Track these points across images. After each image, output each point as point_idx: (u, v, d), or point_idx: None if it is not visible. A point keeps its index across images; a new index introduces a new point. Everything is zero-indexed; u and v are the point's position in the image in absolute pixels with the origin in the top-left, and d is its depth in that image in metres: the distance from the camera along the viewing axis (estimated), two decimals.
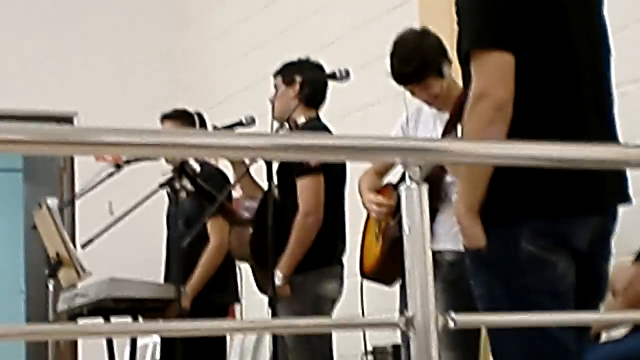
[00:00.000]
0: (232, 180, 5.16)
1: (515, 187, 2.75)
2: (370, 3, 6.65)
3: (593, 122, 2.83)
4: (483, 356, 4.78)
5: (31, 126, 1.83)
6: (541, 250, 2.73)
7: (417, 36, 4.13)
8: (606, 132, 2.85)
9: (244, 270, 5.34)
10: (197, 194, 4.94)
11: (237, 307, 5.60)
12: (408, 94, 4.15)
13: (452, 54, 3.77)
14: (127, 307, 4.87)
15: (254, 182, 5.00)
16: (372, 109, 6.42)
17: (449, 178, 4.00)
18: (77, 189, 7.72)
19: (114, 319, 5.14)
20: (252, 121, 4.88)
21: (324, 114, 4.94)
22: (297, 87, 4.75)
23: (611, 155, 2.28)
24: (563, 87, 2.81)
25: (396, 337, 5.30)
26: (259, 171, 4.78)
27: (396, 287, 4.38)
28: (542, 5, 2.81)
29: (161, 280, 5.35)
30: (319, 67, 4.88)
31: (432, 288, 1.98)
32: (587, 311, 2.78)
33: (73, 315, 5.09)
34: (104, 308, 4.88)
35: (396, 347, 5.52)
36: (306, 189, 4.61)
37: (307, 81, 4.68)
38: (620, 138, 3.00)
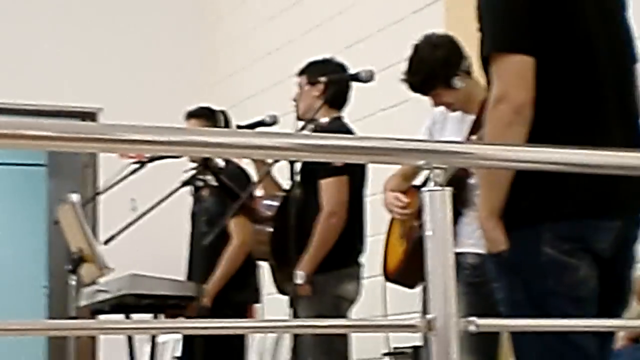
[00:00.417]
0: (254, 178, 5.17)
1: (536, 191, 2.74)
2: (396, 4, 6.64)
3: (616, 126, 2.82)
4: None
5: (55, 122, 1.84)
6: (562, 254, 2.72)
7: (427, 47, 4.18)
8: (630, 137, 2.84)
9: (263, 270, 5.35)
10: (220, 191, 4.95)
11: (257, 307, 5.61)
12: None
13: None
14: (148, 304, 4.88)
15: (276, 181, 5.00)
16: (395, 111, 6.41)
17: (472, 180, 4.00)
18: (100, 185, 7.75)
19: (134, 316, 5.16)
20: (275, 120, 4.89)
21: (348, 114, 4.94)
22: (321, 87, 4.75)
23: (634, 161, 2.27)
24: (584, 91, 2.80)
25: (415, 339, 5.29)
26: (281, 170, 4.79)
27: (416, 290, 4.37)
28: (562, 8, 2.80)
29: (183, 278, 5.36)
30: (343, 68, 4.88)
31: (454, 291, 1.98)
32: (608, 319, 2.76)
33: (94, 310, 5.10)
34: (125, 304, 4.89)
35: (416, 349, 5.51)
36: (330, 189, 4.61)
37: (331, 81, 4.68)
38: None
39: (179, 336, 5.81)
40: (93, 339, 7.94)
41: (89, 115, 8.15)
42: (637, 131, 2.91)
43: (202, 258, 4.91)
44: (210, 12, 8.74)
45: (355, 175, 4.71)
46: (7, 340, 10.15)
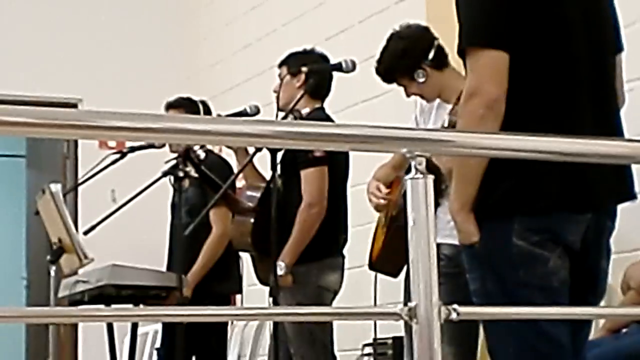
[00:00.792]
0: (235, 169, 5.15)
1: (507, 184, 2.76)
2: None
3: (589, 120, 2.82)
4: (482, 354, 4.78)
5: (35, 109, 1.82)
6: (532, 245, 2.74)
7: (394, 38, 4.28)
8: (604, 130, 2.83)
9: (244, 261, 5.34)
10: (201, 182, 4.93)
11: (238, 297, 5.60)
12: None
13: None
14: (128, 295, 4.86)
15: (257, 171, 4.99)
16: (376, 102, 6.40)
17: None
18: (80, 176, 7.72)
19: (115, 307, 5.14)
20: (257, 111, 4.87)
21: (329, 105, 4.92)
22: (303, 77, 4.74)
23: (614, 149, 2.27)
24: (559, 84, 2.81)
25: (397, 330, 5.29)
26: (262, 161, 4.78)
27: (401, 280, 4.37)
28: (540, 3, 2.80)
29: (163, 268, 5.34)
30: (325, 58, 4.87)
31: (436, 279, 1.98)
32: (582, 307, 2.77)
33: (74, 301, 5.08)
34: (105, 295, 4.87)
35: (396, 339, 5.52)
36: (310, 180, 4.60)
37: (312, 72, 4.66)
38: (628, 135, 2.98)
39: (159, 327, 5.80)
40: (74, 331, 7.92)
41: (69, 106, 8.11)
42: (612, 124, 2.91)
43: (182, 248, 4.90)
44: (191, 2, 8.71)
45: (337, 166, 4.70)
46: None
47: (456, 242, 3.67)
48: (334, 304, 4.77)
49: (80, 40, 8.36)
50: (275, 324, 4.41)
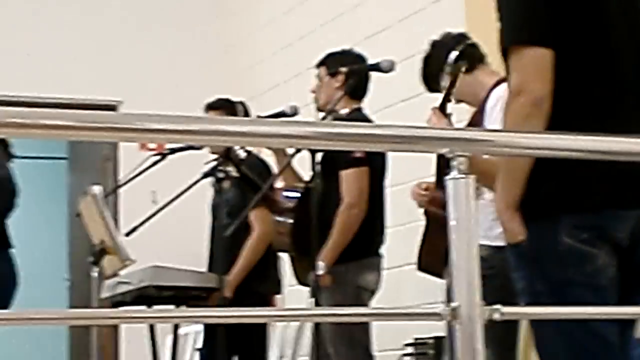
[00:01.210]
0: (275, 170, 5.16)
1: (554, 181, 2.74)
2: None
3: (635, 118, 2.80)
4: (524, 354, 4.75)
5: (77, 112, 1.83)
6: (581, 243, 2.72)
7: (428, 49, 4.35)
8: None
9: (283, 261, 5.34)
10: (241, 183, 4.94)
11: (278, 298, 5.60)
12: None
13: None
14: (169, 296, 4.88)
15: (296, 172, 5.00)
16: (416, 101, 6.38)
17: None
18: (121, 177, 7.76)
19: (156, 307, 5.17)
20: (295, 111, 4.88)
21: (368, 105, 4.92)
22: (341, 78, 4.74)
23: None
24: (603, 82, 2.79)
25: (437, 330, 5.28)
26: (302, 161, 4.78)
27: (439, 281, 4.36)
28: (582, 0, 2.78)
29: (204, 269, 5.36)
30: (362, 59, 4.87)
31: (478, 279, 1.96)
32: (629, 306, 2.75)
33: (116, 302, 5.11)
34: (147, 296, 4.89)
35: (438, 339, 5.50)
36: (351, 180, 4.61)
37: (352, 72, 4.67)
38: None
39: (200, 328, 5.81)
40: (115, 332, 7.97)
41: (109, 108, 8.16)
42: None
43: (223, 249, 4.91)
44: (230, 3, 8.74)
45: (376, 166, 4.70)
46: (30, 335, 10.20)
47: (490, 243, 3.68)
48: (372, 303, 4.77)
49: (121, 42, 8.42)
50: (316, 325, 4.42)
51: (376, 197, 4.71)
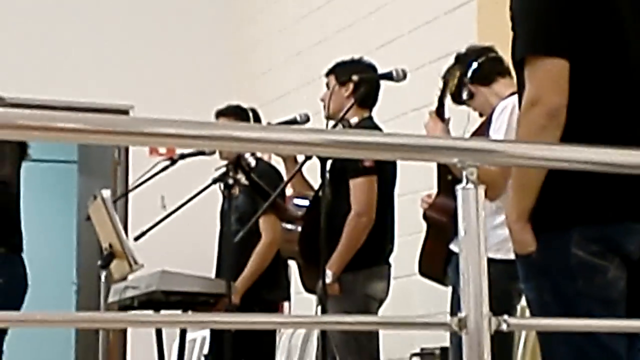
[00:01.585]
0: (284, 177, 5.17)
1: (565, 193, 2.73)
2: (428, 4, 6.62)
3: None
4: (530, 356, 4.75)
5: (88, 116, 1.83)
6: (591, 256, 2.71)
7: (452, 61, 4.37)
8: None
9: (291, 269, 5.34)
10: (250, 190, 4.94)
11: (285, 305, 5.61)
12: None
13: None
14: (177, 301, 4.88)
15: (305, 180, 5.00)
16: (426, 111, 6.38)
17: None
18: (130, 182, 7.78)
19: (163, 312, 5.17)
20: (306, 119, 4.88)
21: (379, 114, 4.92)
22: (351, 86, 4.74)
23: None
24: (619, 94, 2.78)
25: (444, 340, 5.27)
26: (311, 170, 4.78)
27: (448, 290, 4.36)
28: (597, 10, 2.77)
29: (212, 275, 5.36)
30: (372, 68, 4.87)
31: (486, 289, 1.96)
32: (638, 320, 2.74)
33: (123, 307, 5.11)
34: (155, 301, 4.89)
35: (444, 350, 5.49)
36: (359, 189, 4.61)
37: (362, 81, 4.67)
38: None
39: (207, 334, 5.81)
40: (123, 337, 7.97)
41: (121, 112, 8.17)
42: None
43: (231, 256, 4.91)
44: (242, 10, 8.75)
45: (385, 175, 4.70)
46: (37, 339, 10.21)
47: (493, 256, 3.69)
48: (380, 312, 4.77)
49: (133, 47, 8.43)
50: (323, 332, 4.41)
51: (385, 206, 4.70)
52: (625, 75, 2.79)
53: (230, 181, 4.77)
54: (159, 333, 5.29)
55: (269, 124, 5.29)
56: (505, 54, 4.14)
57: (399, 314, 5.89)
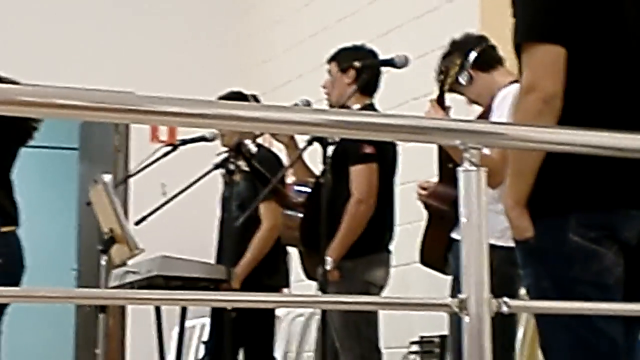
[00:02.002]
0: (285, 163, 5.16)
1: (563, 179, 2.73)
2: None
3: None
4: (529, 350, 4.74)
5: (90, 92, 1.83)
6: (589, 241, 2.71)
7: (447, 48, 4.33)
8: None
9: (291, 256, 5.34)
10: (251, 176, 4.94)
11: (285, 292, 5.60)
12: None
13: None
14: (177, 286, 4.88)
15: (307, 167, 4.99)
16: (427, 100, 6.37)
17: None
18: (131, 169, 7.77)
19: (163, 291, 5.18)
20: (308, 105, 4.87)
21: (380, 103, 4.92)
22: (353, 73, 4.73)
23: None
24: (615, 81, 2.78)
25: (443, 329, 5.27)
26: (313, 156, 4.77)
27: (448, 279, 4.36)
28: None
29: (212, 261, 5.36)
30: (374, 54, 4.86)
31: (488, 272, 1.96)
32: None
33: None
34: (155, 286, 4.89)
35: (443, 337, 5.49)
36: (360, 176, 4.61)
37: (364, 67, 4.66)
38: None
39: (207, 321, 5.81)
40: (122, 322, 7.98)
41: None
42: None
43: (232, 241, 4.92)
44: None
45: (386, 162, 4.70)
46: (36, 324, 10.23)
47: (492, 242, 3.68)
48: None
49: (134, 36, 8.43)
50: (323, 319, 4.41)
51: (385, 194, 4.70)
52: (623, 62, 2.78)
53: (232, 167, 4.77)
54: (158, 319, 5.30)
55: None
56: (507, 42, 4.14)
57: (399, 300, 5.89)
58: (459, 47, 4.28)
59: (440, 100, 4.25)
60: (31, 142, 4.71)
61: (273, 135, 5.02)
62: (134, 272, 4.98)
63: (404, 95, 6.36)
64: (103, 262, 4.82)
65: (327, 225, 4.33)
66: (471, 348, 1.94)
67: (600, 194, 2.73)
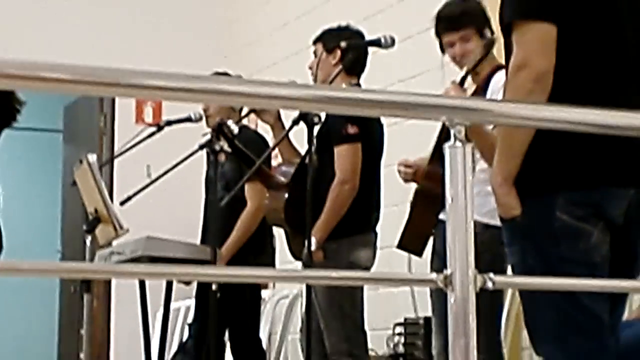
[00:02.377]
0: (270, 144, 5.16)
1: (551, 158, 2.74)
2: None
3: (636, 95, 2.79)
4: (514, 327, 4.75)
5: (74, 65, 1.82)
6: (576, 220, 2.72)
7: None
8: None
9: (278, 237, 5.34)
10: (236, 157, 4.93)
11: None
12: (447, 59, 4.20)
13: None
14: None
15: (293, 147, 4.98)
16: (413, 82, 6.38)
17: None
18: (116, 151, 7.75)
19: (148, 264, 5.17)
20: None
21: (365, 84, 4.91)
22: (339, 54, 4.72)
23: None
24: (605, 59, 2.78)
25: (427, 310, 5.29)
26: (298, 137, 4.76)
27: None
28: None
29: (198, 241, 5.35)
30: (360, 35, 4.85)
31: (472, 247, 1.96)
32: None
33: None
34: None
35: (427, 319, 5.50)
36: (344, 156, 4.60)
37: (350, 48, 4.65)
38: None
39: (191, 303, 5.81)
40: (107, 305, 7.97)
41: None
42: None
43: (217, 222, 4.91)
44: None
45: (371, 144, 4.69)
46: (19, 304, 10.22)
47: (481, 219, 3.67)
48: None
49: (119, 17, 8.39)
50: (308, 301, 4.41)
51: (371, 174, 4.69)
52: (613, 39, 2.79)
53: (217, 147, 4.76)
54: (143, 302, 5.29)
55: None
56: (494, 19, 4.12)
57: (386, 284, 5.90)
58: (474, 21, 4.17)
59: (462, 82, 4.21)
60: (15, 124, 4.68)
61: (259, 116, 5.00)
62: (119, 253, 4.97)
63: (390, 77, 6.36)
64: (88, 244, 4.80)
65: (312, 206, 4.33)
66: (456, 324, 1.94)
67: (587, 173, 2.74)
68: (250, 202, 5.18)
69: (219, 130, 4.73)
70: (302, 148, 4.74)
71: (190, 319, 5.99)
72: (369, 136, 4.67)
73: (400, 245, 4.39)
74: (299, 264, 4.60)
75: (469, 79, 4.09)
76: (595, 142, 2.64)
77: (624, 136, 2.53)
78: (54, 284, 8.97)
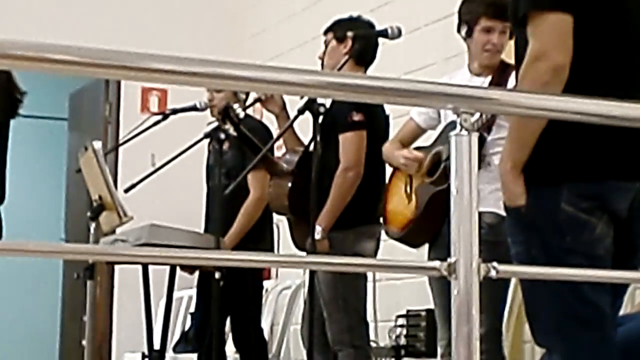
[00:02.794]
0: (274, 134, 5.15)
1: (558, 149, 2.74)
2: None
3: None
4: (516, 317, 4.75)
5: (81, 47, 1.82)
6: (580, 212, 2.72)
7: None
8: None
9: (281, 226, 5.33)
10: (240, 145, 4.93)
11: None
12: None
13: None
14: None
15: (297, 137, 4.98)
16: (420, 74, 6.37)
17: (489, 138, 4.01)
18: (121, 139, 7.75)
19: (151, 268, 5.18)
20: None
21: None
22: (349, 43, 4.71)
23: None
24: (619, 50, 2.78)
25: (430, 302, 5.29)
26: (303, 126, 4.76)
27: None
28: None
29: (201, 230, 5.35)
30: (370, 25, 4.84)
31: (477, 235, 1.96)
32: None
33: (112, 260, 5.11)
34: None
35: (430, 312, 5.50)
36: (348, 144, 4.59)
37: (358, 37, 4.64)
38: None
39: (194, 293, 5.81)
40: (110, 291, 7.97)
41: None
42: None
43: (220, 211, 4.91)
44: None
45: (377, 132, 4.67)
46: (22, 292, 10.23)
47: (499, 211, 3.67)
48: (369, 273, 4.76)
49: (127, 6, 8.38)
50: (311, 291, 4.41)
51: (376, 164, 4.67)
52: (627, 30, 2.78)
53: (222, 136, 4.75)
54: (146, 290, 5.28)
55: None
56: None
57: (386, 275, 5.90)
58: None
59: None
60: (20, 112, 4.67)
61: (264, 105, 4.99)
62: (122, 241, 4.97)
63: (396, 69, 6.35)
64: (92, 231, 4.80)
65: (317, 194, 4.32)
66: (459, 312, 1.94)
67: (593, 165, 2.74)
68: (253, 191, 5.17)
69: (225, 114, 4.71)
70: (306, 138, 4.74)
71: (192, 309, 5.99)
72: (374, 124, 4.66)
73: (401, 238, 4.39)
74: (301, 255, 4.60)
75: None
76: (603, 135, 2.64)
77: (631, 130, 2.53)
78: (57, 270, 8.98)
